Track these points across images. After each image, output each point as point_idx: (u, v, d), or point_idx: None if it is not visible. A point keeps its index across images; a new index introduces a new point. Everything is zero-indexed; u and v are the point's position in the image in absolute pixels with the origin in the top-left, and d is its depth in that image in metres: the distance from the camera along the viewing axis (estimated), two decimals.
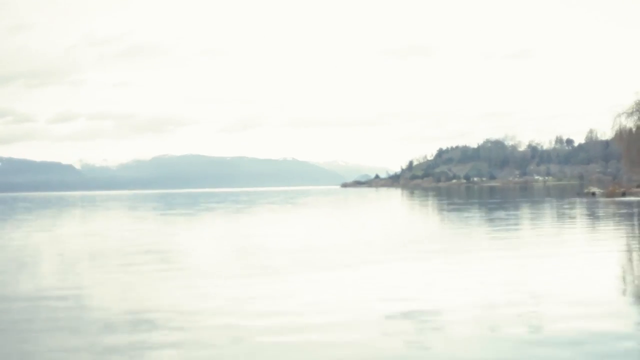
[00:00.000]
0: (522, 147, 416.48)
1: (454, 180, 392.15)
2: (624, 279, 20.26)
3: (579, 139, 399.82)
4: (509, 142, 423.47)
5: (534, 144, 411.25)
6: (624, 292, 17.96)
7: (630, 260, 24.65)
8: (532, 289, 18.18)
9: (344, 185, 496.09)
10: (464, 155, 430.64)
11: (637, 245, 29.94)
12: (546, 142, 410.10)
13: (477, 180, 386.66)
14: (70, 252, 31.56)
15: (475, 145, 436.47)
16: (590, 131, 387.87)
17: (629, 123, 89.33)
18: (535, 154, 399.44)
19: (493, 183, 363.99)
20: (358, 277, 21.33)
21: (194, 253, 30.70)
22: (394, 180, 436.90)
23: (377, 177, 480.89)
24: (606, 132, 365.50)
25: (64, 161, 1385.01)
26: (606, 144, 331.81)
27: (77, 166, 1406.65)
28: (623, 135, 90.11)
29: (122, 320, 15.44)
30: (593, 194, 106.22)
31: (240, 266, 24.55)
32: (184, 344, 13.16)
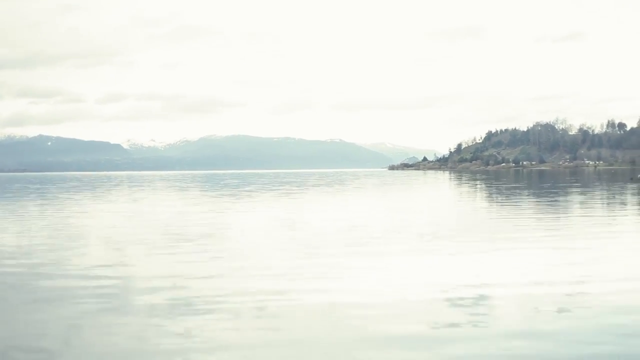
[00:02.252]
0: (573, 131, 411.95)
1: (503, 164, 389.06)
2: None
3: (631, 123, 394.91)
4: (559, 126, 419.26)
5: (585, 128, 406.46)
6: None
7: None
8: (577, 278, 17.69)
9: (392, 167, 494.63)
10: (514, 138, 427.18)
11: None
12: (597, 126, 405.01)
13: (527, 164, 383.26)
14: (119, 232, 31.62)
15: (525, 129, 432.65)
16: None
17: None
18: (586, 138, 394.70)
19: (543, 167, 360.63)
20: (401, 261, 21.04)
21: (242, 234, 30.55)
22: (442, 163, 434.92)
23: (424, 159, 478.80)
24: None
25: (112, 141, 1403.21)
26: None
27: (125, 146, 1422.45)
28: None
29: (165, 298, 15.37)
30: None
31: (287, 248, 24.36)
32: (225, 323, 13.05)
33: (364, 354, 11.24)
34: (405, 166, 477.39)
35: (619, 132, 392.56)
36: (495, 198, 61.66)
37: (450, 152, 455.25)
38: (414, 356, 11.11)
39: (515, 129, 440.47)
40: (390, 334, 12.31)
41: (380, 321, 13.22)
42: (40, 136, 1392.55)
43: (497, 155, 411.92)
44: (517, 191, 72.99)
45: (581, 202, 50.94)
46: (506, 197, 61.97)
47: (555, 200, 53.07)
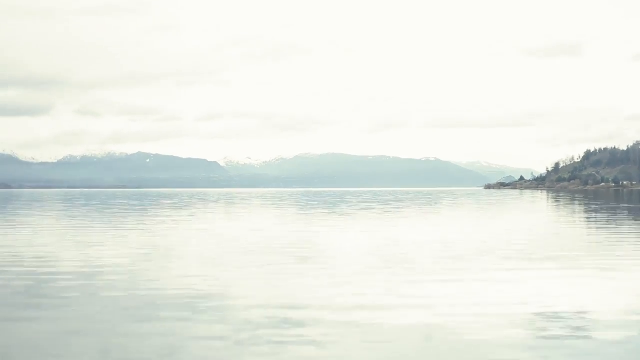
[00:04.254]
0: None
1: (602, 184, 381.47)
2: None
3: None
4: None
5: None
6: None
7: None
8: None
9: (488, 186, 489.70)
10: (613, 158, 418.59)
11: None
12: None
13: (627, 184, 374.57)
14: (217, 248, 31.92)
15: (625, 148, 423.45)
16: None
17: None
18: None
19: None
20: (499, 281, 20.73)
21: (338, 251, 30.54)
22: (539, 183, 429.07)
23: (521, 179, 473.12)
24: None
25: (210, 158, 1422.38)
26: None
27: (222, 163, 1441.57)
28: None
29: (264, 315, 15.53)
30: None
31: (383, 267, 24.21)
32: (318, 341, 13.02)
33: None
34: (501, 185, 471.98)
35: None
36: (595, 219, 60.22)
37: (548, 171, 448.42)
38: None
39: (614, 148, 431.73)
40: None
41: (462, 349, 13.01)
42: (139, 153, 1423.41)
43: (596, 175, 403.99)
44: (619, 212, 71.24)
45: None
46: (607, 218, 60.46)
47: None
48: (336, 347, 12.89)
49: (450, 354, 12.44)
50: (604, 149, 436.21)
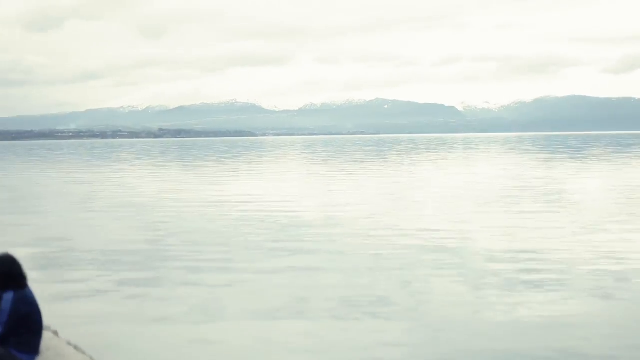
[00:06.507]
0: None
1: None
2: None
3: None
4: None
5: None
6: None
7: None
8: None
9: None
10: None
11: None
12: None
13: None
14: (455, 194, 31.96)
15: None
16: None
17: None
18: None
19: None
20: None
21: (582, 200, 29.59)
22: None
23: None
24: None
25: (447, 103, 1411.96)
26: None
27: (460, 108, 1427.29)
28: None
29: (502, 261, 15.59)
30: None
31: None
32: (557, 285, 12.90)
33: None
34: None
35: None
36: None
37: None
38: None
39: None
40: None
41: None
42: (377, 99, 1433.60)
43: None
44: None
45: None
46: None
47: None
48: (569, 297, 12.78)
49: None
50: None
